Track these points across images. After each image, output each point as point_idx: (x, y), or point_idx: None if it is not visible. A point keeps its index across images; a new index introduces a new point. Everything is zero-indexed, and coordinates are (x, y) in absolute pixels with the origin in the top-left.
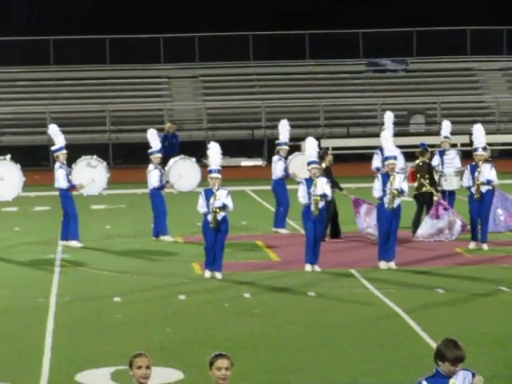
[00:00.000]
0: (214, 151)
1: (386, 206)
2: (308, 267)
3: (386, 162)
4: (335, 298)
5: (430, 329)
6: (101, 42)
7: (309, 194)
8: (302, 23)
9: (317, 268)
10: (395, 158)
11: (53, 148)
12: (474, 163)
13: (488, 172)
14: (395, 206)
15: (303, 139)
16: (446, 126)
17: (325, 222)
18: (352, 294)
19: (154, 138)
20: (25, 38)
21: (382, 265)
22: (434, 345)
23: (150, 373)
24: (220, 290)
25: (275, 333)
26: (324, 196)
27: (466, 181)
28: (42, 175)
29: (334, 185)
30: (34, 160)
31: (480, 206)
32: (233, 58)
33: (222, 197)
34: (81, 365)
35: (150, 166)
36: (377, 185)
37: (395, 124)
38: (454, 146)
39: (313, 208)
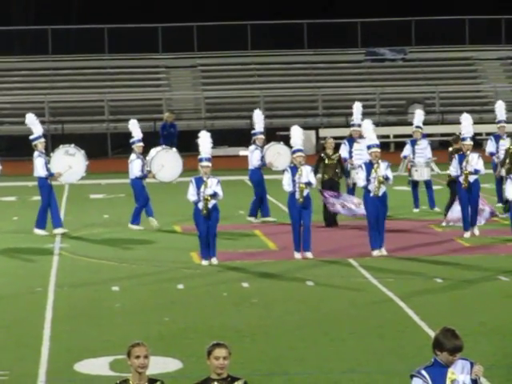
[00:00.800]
0: (204, 140)
1: (372, 193)
2: (297, 255)
3: (370, 151)
4: (334, 287)
5: (428, 318)
6: (99, 32)
7: (293, 181)
8: (301, 12)
9: (309, 255)
10: (378, 145)
11: (31, 137)
12: (461, 153)
13: (475, 162)
14: (380, 193)
15: (302, 129)
16: (419, 115)
17: (311, 209)
18: (350, 283)
19: (135, 128)
20: (23, 27)
21: (376, 253)
22: (432, 334)
23: (148, 362)
24: (218, 279)
25: (273, 322)
26: (309, 184)
27: (454, 170)
28: None
29: None
30: (32, 149)
31: (469, 194)
32: (231, 48)
33: (213, 185)
34: (79, 354)
35: (132, 156)
36: (361, 174)
37: (394, 113)
38: (449, 135)
39: (298, 196)
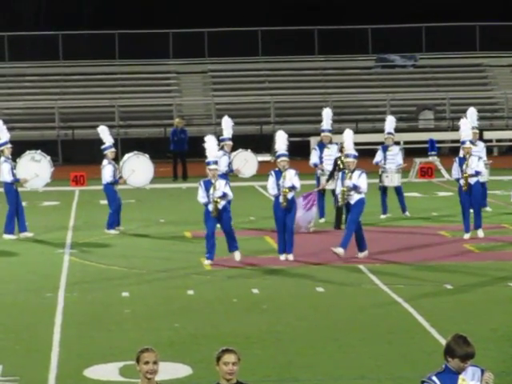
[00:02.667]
0: (210, 144)
1: (339, 202)
2: (282, 257)
3: (278, 160)
4: (343, 293)
5: (438, 324)
6: (110, 37)
7: (278, 185)
8: (312, 19)
9: (290, 257)
10: (355, 156)
11: None
12: (461, 156)
13: (475, 164)
14: (352, 202)
15: (312, 135)
16: (390, 122)
17: (294, 213)
18: (360, 290)
19: (106, 135)
20: (34, 33)
21: (362, 255)
22: (442, 341)
23: (157, 368)
24: (228, 285)
25: (283, 328)
26: (293, 188)
27: (455, 173)
28: None
29: None
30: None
31: (469, 197)
32: (242, 54)
33: (221, 186)
34: (89, 360)
35: (104, 161)
36: (338, 182)
37: (404, 120)
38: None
39: (281, 199)
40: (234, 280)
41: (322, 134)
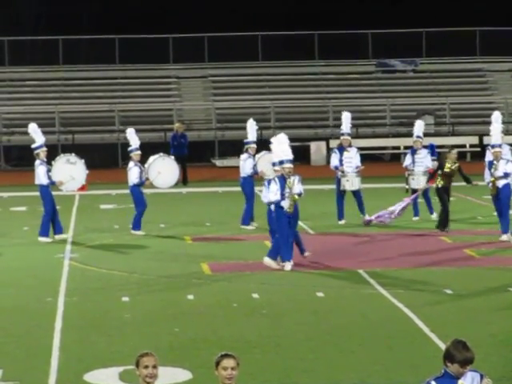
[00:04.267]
0: (281, 143)
1: (285, 209)
2: (288, 265)
3: (283, 166)
4: (343, 298)
5: (438, 329)
6: (110, 42)
7: (282, 191)
8: (312, 23)
9: (290, 263)
10: (291, 161)
11: (33, 146)
12: (491, 159)
13: (503, 167)
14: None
15: (312, 139)
16: (419, 126)
17: (297, 219)
18: (360, 295)
19: (132, 137)
20: (34, 37)
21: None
22: (442, 346)
23: (156, 372)
24: (228, 290)
25: (283, 333)
26: (299, 194)
27: (488, 177)
28: None
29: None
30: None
31: (497, 200)
32: (242, 59)
33: (296, 183)
34: (89, 364)
35: (130, 164)
36: (274, 188)
37: (405, 124)
38: (460, 146)
39: (288, 205)
40: (234, 285)
41: (342, 138)
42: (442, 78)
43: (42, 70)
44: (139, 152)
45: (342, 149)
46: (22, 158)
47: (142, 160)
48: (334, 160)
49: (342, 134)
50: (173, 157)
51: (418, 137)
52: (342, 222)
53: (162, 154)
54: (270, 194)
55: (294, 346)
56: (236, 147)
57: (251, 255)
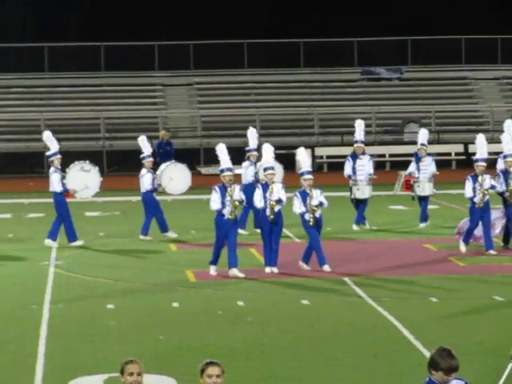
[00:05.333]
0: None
1: (268, 214)
2: (267, 270)
3: (265, 173)
4: (328, 306)
5: (423, 338)
6: (96, 49)
7: (265, 198)
8: (297, 32)
9: (275, 270)
10: (273, 168)
11: (48, 153)
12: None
13: (488, 182)
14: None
15: (298, 147)
16: (423, 134)
17: (281, 226)
18: (345, 303)
19: (145, 144)
20: (20, 44)
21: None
22: (427, 354)
23: (141, 379)
24: (213, 297)
25: (268, 341)
26: (279, 201)
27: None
28: (36, 182)
29: None
30: (29, 167)
31: (482, 214)
32: (228, 66)
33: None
34: (74, 372)
35: (143, 171)
36: (258, 195)
37: (390, 132)
38: (445, 154)
39: (268, 212)
40: (219, 292)
41: (355, 145)
42: (427, 86)
43: (28, 77)
44: (151, 159)
45: (355, 156)
46: (7, 165)
47: (127, 168)
48: (347, 168)
49: (356, 142)
50: (185, 164)
51: (423, 144)
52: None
53: (174, 160)
54: (255, 201)
55: (279, 354)
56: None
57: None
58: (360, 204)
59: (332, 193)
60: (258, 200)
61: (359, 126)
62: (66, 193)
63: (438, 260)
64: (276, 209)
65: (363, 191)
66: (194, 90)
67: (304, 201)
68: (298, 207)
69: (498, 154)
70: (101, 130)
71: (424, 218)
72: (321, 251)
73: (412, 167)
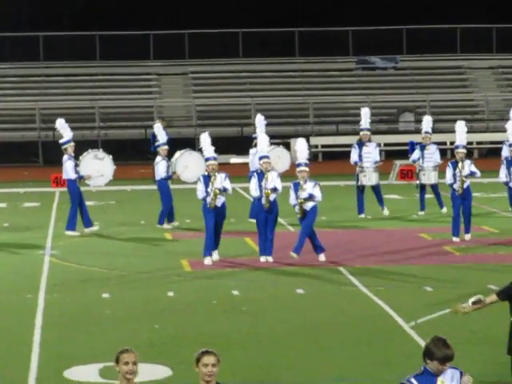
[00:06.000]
0: (205, 141)
1: (263, 203)
2: (262, 259)
3: (261, 161)
4: (324, 295)
5: (417, 327)
6: (91, 39)
7: (260, 186)
8: (292, 20)
9: (270, 259)
10: (268, 157)
11: (61, 141)
12: (454, 160)
13: (468, 168)
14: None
15: (293, 136)
16: (427, 122)
17: (276, 215)
18: (340, 292)
19: (160, 132)
20: (14, 34)
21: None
22: (421, 343)
23: (136, 369)
24: (208, 286)
25: (264, 330)
26: (274, 190)
27: (503, 176)
28: (31, 171)
29: None
30: (24, 156)
31: (462, 201)
32: (223, 55)
33: (222, 180)
34: (69, 361)
35: (158, 158)
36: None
37: (385, 121)
38: (440, 143)
39: (264, 201)
40: (214, 281)
41: (362, 133)
42: (422, 76)
43: (23, 66)
44: (166, 147)
45: (361, 144)
46: (3, 154)
47: (122, 158)
48: (354, 155)
49: (362, 130)
50: (200, 152)
51: (427, 132)
52: (362, 216)
53: (188, 148)
54: (250, 190)
55: (274, 343)
56: (216, 144)
57: (231, 252)
58: (374, 191)
59: (327, 182)
60: (254, 189)
61: (365, 113)
62: (79, 180)
63: (433, 249)
64: (271, 197)
65: (370, 178)
66: (189, 79)
67: (296, 192)
68: (293, 199)
69: (494, 143)
70: (96, 120)
71: (440, 204)
72: (303, 240)
73: (416, 155)
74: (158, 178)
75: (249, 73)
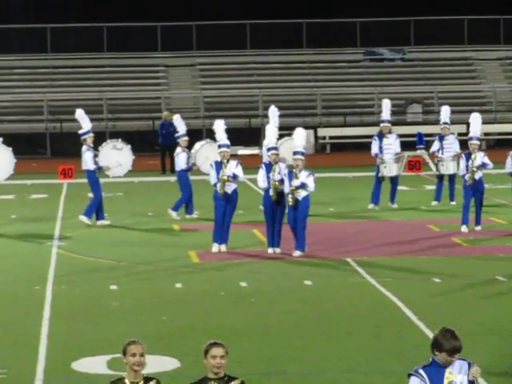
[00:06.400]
0: (219, 127)
1: (271, 194)
2: (270, 250)
3: (268, 153)
4: (332, 286)
5: (426, 318)
6: (98, 30)
7: (268, 178)
8: (300, 12)
9: (278, 250)
10: (276, 148)
11: (80, 131)
12: (467, 152)
13: (480, 159)
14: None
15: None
16: (446, 112)
17: (284, 207)
18: (348, 283)
19: (179, 123)
20: (22, 25)
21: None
22: (430, 334)
23: (143, 360)
24: (216, 278)
25: (271, 321)
26: (282, 181)
27: (510, 167)
28: (39, 163)
29: None
30: (31, 148)
31: (474, 192)
32: (230, 47)
33: (232, 167)
34: (77, 352)
35: (178, 149)
36: (261, 176)
37: (393, 113)
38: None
39: (271, 192)
40: (222, 273)
41: (382, 125)
42: (430, 67)
43: (30, 58)
44: (187, 138)
45: (381, 135)
46: (10, 146)
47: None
48: (374, 147)
49: (382, 121)
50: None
51: (445, 123)
52: (371, 206)
53: (208, 139)
54: (258, 181)
55: (282, 335)
56: (227, 134)
57: (239, 243)
58: (391, 183)
59: (334, 173)
60: (262, 180)
61: (386, 105)
62: (98, 171)
63: (441, 240)
64: (279, 189)
65: (390, 169)
66: (197, 70)
67: (290, 181)
68: (260, 180)
69: (501, 134)
70: (104, 111)
71: (452, 196)
72: (303, 234)
73: (435, 146)
74: (178, 169)
75: (256, 64)
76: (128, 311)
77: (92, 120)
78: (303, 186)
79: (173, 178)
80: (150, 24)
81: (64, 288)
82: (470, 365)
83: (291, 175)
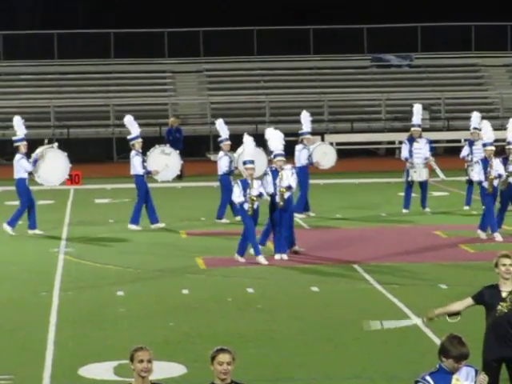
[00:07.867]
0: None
1: (277, 201)
2: (277, 256)
3: (275, 159)
4: (338, 292)
5: (433, 325)
6: (105, 36)
7: (274, 185)
8: (307, 18)
9: (285, 256)
10: (282, 155)
11: (129, 137)
12: (484, 158)
13: (499, 166)
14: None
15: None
16: (475, 118)
17: (291, 213)
18: (355, 289)
19: (222, 127)
20: (29, 31)
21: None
22: (436, 341)
23: (151, 366)
24: (223, 284)
25: (278, 328)
26: (289, 188)
27: (477, 175)
28: None
29: None
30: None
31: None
32: (237, 53)
33: (258, 186)
34: (84, 358)
35: (220, 153)
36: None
37: (400, 119)
38: (455, 141)
39: (278, 199)
40: (229, 279)
41: (412, 129)
42: (437, 73)
43: (37, 64)
44: (229, 142)
45: (412, 140)
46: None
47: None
48: (404, 151)
49: (413, 126)
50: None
51: (475, 128)
52: (406, 211)
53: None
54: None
55: (289, 341)
56: (230, 141)
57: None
58: (420, 187)
59: (341, 180)
60: (268, 186)
61: (417, 110)
62: (147, 175)
63: (447, 247)
64: (286, 195)
65: (420, 174)
66: (204, 76)
67: (244, 190)
68: (237, 196)
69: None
70: (110, 117)
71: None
72: (255, 242)
73: (465, 151)
74: (220, 172)
75: (263, 70)
76: (135, 317)
77: (99, 126)
78: (261, 195)
79: (180, 185)
80: (157, 30)
81: (71, 294)
82: (477, 372)
83: (276, 174)
